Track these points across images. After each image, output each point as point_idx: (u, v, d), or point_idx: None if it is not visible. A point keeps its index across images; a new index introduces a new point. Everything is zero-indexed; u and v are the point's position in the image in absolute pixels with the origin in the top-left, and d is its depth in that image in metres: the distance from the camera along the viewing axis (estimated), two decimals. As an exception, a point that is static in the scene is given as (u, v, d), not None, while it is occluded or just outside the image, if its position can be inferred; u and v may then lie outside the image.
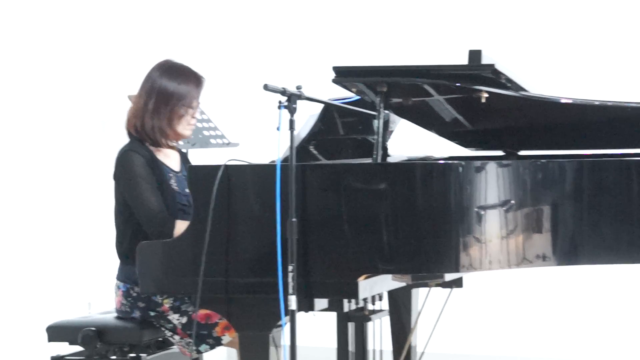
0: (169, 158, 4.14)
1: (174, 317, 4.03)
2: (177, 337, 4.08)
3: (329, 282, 3.60)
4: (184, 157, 4.25)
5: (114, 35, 6.20)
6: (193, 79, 4.07)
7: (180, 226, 3.86)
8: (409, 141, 4.81)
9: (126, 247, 4.02)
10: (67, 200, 5.90)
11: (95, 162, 5.93)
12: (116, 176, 4.02)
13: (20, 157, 5.66)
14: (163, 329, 4.07)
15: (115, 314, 4.15)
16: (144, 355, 4.06)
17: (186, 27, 6.61)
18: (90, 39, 6.05)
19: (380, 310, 4.52)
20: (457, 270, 3.63)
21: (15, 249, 5.61)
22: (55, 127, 5.84)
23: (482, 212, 3.62)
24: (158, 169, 4.03)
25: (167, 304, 4.02)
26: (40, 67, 5.77)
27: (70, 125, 5.94)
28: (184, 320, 4.03)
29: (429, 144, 4.61)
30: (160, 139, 4.05)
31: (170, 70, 4.07)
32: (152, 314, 4.04)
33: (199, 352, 4.05)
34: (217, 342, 4.01)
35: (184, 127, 4.08)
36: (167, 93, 4.03)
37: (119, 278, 4.09)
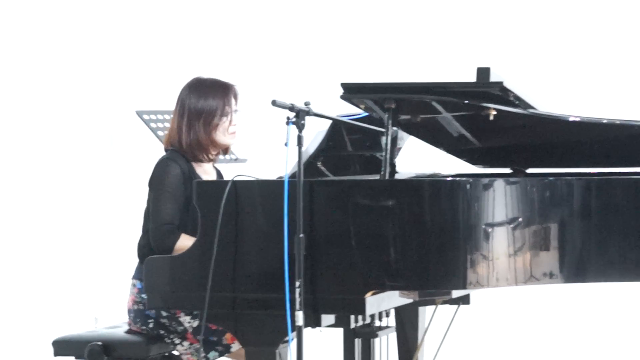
0: (207, 174, 4.18)
1: (186, 320, 4.04)
2: (186, 344, 4.08)
3: (336, 298, 3.60)
4: (219, 175, 4.29)
5: (123, 51, 6.21)
6: (221, 90, 4.14)
7: (186, 242, 3.87)
8: (417, 158, 4.81)
9: (148, 249, 4.04)
10: (75, 215, 5.91)
11: (103, 178, 5.94)
12: (149, 181, 4.08)
13: (29, 173, 5.68)
14: (172, 336, 4.07)
15: (123, 328, 4.15)
16: (151, 369, 4.06)
17: (194, 44, 6.63)
18: (99, 55, 6.07)
19: (387, 327, 4.51)
20: (464, 287, 3.62)
21: (22, 263, 5.62)
22: (64, 142, 5.86)
23: (490, 230, 3.62)
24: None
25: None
26: (49, 82, 5.79)
27: (79, 141, 5.95)
28: (195, 324, 4.03)
29: (437, 161, 4.61)
30: (199, 154, 4.10)
31: (197, 87, 4.14)
32: (164, 313, 4.04)
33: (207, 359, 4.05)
34: (226, 350, 4.02)
35: (223, 136, 4.13)
36: (196, 110, 4.10)
37: (135, 277, 4.12)
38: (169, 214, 3.97)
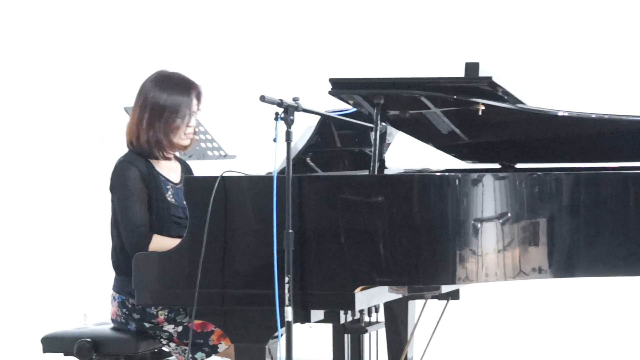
0: (169, 169, 4.13)
1: (170, 328, 4.03)
2: (173, 345, 4.07)
3: (325, 294, 3.60)
4: (187, 169, 4.23)
5: (112, 47, 6.20)
6: (186, 88, 4.06)
7: (162, 242, 3.85)
8: (406, 154, 4.81)
9: (121, 259, 4.02)
10: (63, 212, 5.89)
11: (92, 174, 5.93)
12: (110, 187, 4.03)
13: (17, 169, 5.66)
14: (159, 337, 4.07)
15: (111, 325, 4.14)
16: (140, 366, 4.06)
17: (183, 39, 6.61)
18: (87, 51, 6.06)
19: (377, 322, 4.51)
20: (453, 282, 3.63)
21: (11, 260, 5.61)
22: (52, 138, 5.84)
23: (479, 225, 3.62)
24: (154, 181, 4.02)
25: (162, 315, 4.01)
26: (37, 79, 5.78)
27: (68, 137, 5.94)
28: (180, 329, 4.02)
29: (426, 156, 4.60)
30: (156, 152, 4.05)
31: (163, 81, 4.05)
32: (147, 325, 4.04)
33: (195, 361, 4.04)
34: (213, 350, 4.01)
35: (180, 138, 4.07)
36: (159, 106, 4.02)
37: (114, 289, 4.09)
38: (139, 217, 3.94)
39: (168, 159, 4.12)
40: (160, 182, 4.04)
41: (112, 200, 4.04)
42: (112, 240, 4.08)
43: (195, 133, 4.14)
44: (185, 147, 4.13)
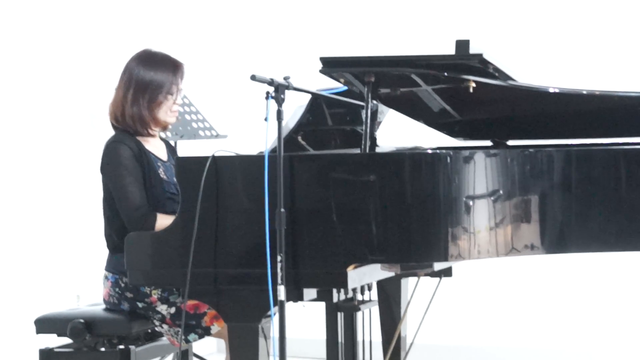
0: (157, 148, 4.14)
1: (163, 308, 4.03)
2: (165, 327, 4.08)
3: (317, 272, 3.60)
4: (170, 148, 4.26)
5: (102, 29, 6.18)
6: (171, 66, 4.08)
7: (163, 220, 3.86)
8: (397, 132, 4.81)
9: (115, 237, 4.02)
10: (55, 193, 5.88)
11: (83, 155, 5.92)
12: (102, 168, 4.03)
13: (7, 150, 5.65)
14: (152, 319, 4.07)
15: (104, 306, 4.14)
16: (133, 347, 4.05)
17: (174, 19, 6.60)
18: (78, 33, 6.04)
19: (370, 301, 4.52)
20: (446, 260, 3.63)
21: (2, 242, 5.60)
22: (43, 120, 5.83)
23: (471, 202, 3.62)
24: (146, 158, 4.03)
25: (155, 294, 4.02)
26: (27, 61, 5.76)
27: (59, 118, 5.92)
28: (173, 310, 4.03)
29: (417, 134, 4.60)
30: (141, 128, 4.06)
31: (147, 59, 4.08)
32: (140, 305, 4.04)
33: (188, 342, 4.05)
34: (205, 332, 4.01)
35: (165, 114, 4.09)
36: (144, 82, 4.04)
37: (107, 269, 4.09)
38: (137, 197, 3.94)
39: (152, 135, 4.12)
40: (151, 159, 4.06)
41: (104, 181, 4.04)
42: (104, 220, 4.08)
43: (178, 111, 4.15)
44: (168, 124, 4.14)
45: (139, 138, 4.07)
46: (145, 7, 6.46)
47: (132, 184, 3.95)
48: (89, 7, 6.11)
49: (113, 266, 4.05)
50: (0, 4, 5.63)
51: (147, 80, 4.04)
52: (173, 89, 4.07)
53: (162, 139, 4.25)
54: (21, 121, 5.71)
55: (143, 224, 3.89)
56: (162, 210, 3.98)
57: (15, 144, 5.68)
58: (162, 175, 4.06)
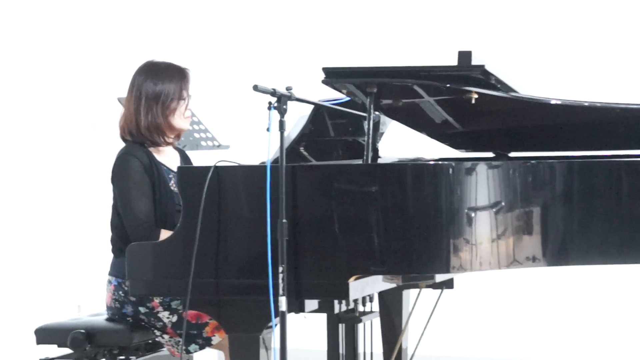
0: (169, 158, 4.15)
1: (164, 315, 4.03)
2: (166, 337, 4.07)
3: (319, 283, 3.59)
4: (184, 157, 4.27)
5: (104, 37, 6.18)
6: (177, 74, 4.11)
7: (165, 236, 3.85)
8: (399, 143, 4.81)
9: (120, 242, 4.03)
10: (57, 202, 5.88)
11: (85, 164, 5.92)
12: (112, 178, 4.05)
13: (10, 159, 5.65)
14: (153, 328, 4.07)
15: (105, 316, 4.13)
16: (134, 357, 4.05)
17: (176, 29, 6.60)
18: (80, 41, 6.04)
19: (371, 312, 4.52)
20: (447, 271, 3.62)
21: (4, 250, 5.60)
22: (45, 128, 5.83)
23: (473, 214, 3.62)
24: (157, 170, 4.04)
25: (157, 299, 4.01)
26: (30, 69, 5.76)
27: (61, 127, 5.92)
28: (174, 319, 4.02)
29: (419, 145, 4.60)
30: (157, 137, 4.08)
31: (153, 70, 4.10)
32: (142, 309, 4.04)
33: (188, 352, 4.04)
34: (206, 343, 4.01)
35: (180, 120, 4.11)
36: (155, 93, 4.07)
37: (111, 273, 4.10)
38: (143, 211, 3.95)
39: (169, 143, 4.13)
40: (162, 171, 4.06)
41: (114, 192, 4.06)
42: (112, 228, 4.10)
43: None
44: (182, 131, 4.16)
45: (152, 149, 4.09)
46: (147, 16, 6.47)
47: (139, 198, 3.96)
48: (91, 17, 6.12)
49: (116, 270, 4.06)
50: (4, 13, 5.63)
51: (157, 91, 4.07)
52: (183, 94, 4.10)
53: (177, 148, 4.26)
54: (23, 129, 5.71)
55: (147, 237, 3.89)
56: (171, 223, 3.98)
57: (18, 152, 5.68)
58: (173, 187, 4.06)
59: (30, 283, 5.70)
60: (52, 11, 5.89)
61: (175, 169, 4.10)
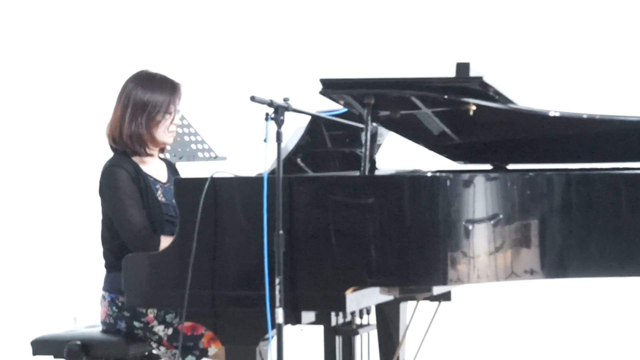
0: (155, 169, 4.13)
1: (160, 329, 4.01)
2: (162, 349, 4.05)
3: (316, 295, 3.58)
4: (172, 168, 4.24)
5: (101, 46, 6.18)
6: (168, 86, 4.09)
7: (165, 243, 3.84)
8: (397, 154, 4.80)
9: (112, 257, 4.02)
10: (53, 213, 5.87)
11: (81, 174, 5.91)
12: (100, 192, 4.03)
13: (4, 168, 5.64)
14: (149, 340, 4.05)
15: (101, 328, 4.12)
16: (130, 369, 4.04)
17: (173, 40, 6.60)
18: (77, 51, 6.04)
19: (368, 324, 4.49)
20: (445, 284, 3.61)
21: (1, 262, 5.58)
22: (41, 139, 5.82)
23: (470, 226, 3.61)
24: (143, 181, 4.02)
25: (151, 313, 4.00)
26: (27, 79, 5.76)
27: (56, 138, 5.91)
28: (170, 331, 4.01)
29: (417, 157, 4.59)
30: (139, 147, 4.05)
31: (145, 79, 4.08)
32: (137, 324, 4.02)
33: (185, 364, 4.02)
34: (203, 354, 4.00)
35: (164, 133, 4.08)
36: (142, 102, 4.04)
37: (104, 288, 4.08)
38: (139, 219, 3.94)
39: (150, 155, 4.11)
40: (149, 182, 4.05)
41: (103, 205, 4.03)
42: (103, 242, 4.07)
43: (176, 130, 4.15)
44: (165, 145, 4.14)
45: (137, 160, 4.07)
46: (144, 27, 6.47)
47: (132, 206, 3.95)
48: (88, 27, 6.11)
49: (110, 285, 4.04)
50: (1, 22, 5.63)
51: (145, 100, 4.04)
52: (171, 108, 4.07)
53: (163, 159, 4.24)
54: (19, 140, 5.70)
55: (146, 245, 3.87)
56: (159, 233, 3.97)
57: (13, 163, 5.67)
58: (161, 197, 4.05)
59: (26, 295, 5.69)
60: (51, 20, 5.89)
61: (161, 180, 4.10)
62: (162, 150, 4.18)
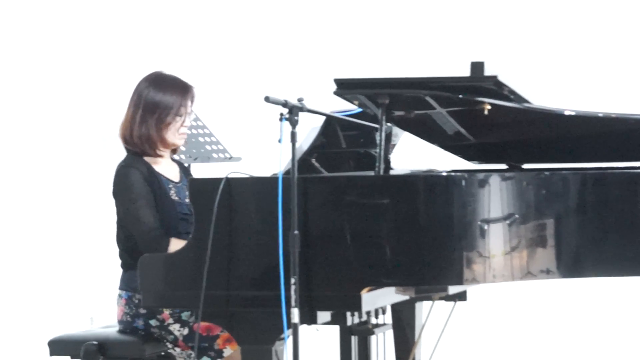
0: (168, 169, 4.14)
1: (175, 328, 4.02)
2: (178, 350, 4.06)
3: (331, 295, 3.58)
4: (184, 170, 4.25)
5: (115, 49, 6.20)
6: (180, 88, 4.10)
7: (176, 244, 3.85)
8: (411, 154, 4.79)
9: (127, 256, 4.04)
10: (69, 215, 5.89)
11: (97, 176, 5.92)
12: (114, 193, 4.04)
13: (21, 171, 5.66)
14: (165, 340, 4.06)
15: (118, 328, 4.13)
16: (146, 369, 4.05)
17: (186, 41, 6.61)
18: (91, 53, 6.05)
19: (384, 324, 4.50)
20: (460, 283, 3.61)
21: (17, 263, 5.60)
22: (56, 141, 5.84)
23: (486, 226, 3.60)
24: (157, 181, 4.04)
25: (167, 310, 4.01)
26: (41, 81, 5.77)
27: (71, 140, 5.93)
28: (185, 331, 4.02)
29: (431, 157, 4.59)
30: (148, 148, 4.06)
31: (157, 81, 4.10)
32: (153, 323, 4.03)
33: (201, 366, 4.03)
34: (218, 355, 4.00)
35: (174, 135, 4.09)
36: (153, 103, 4.05)
37: (121, 287, 4.10)
38: (151, 220, 3.95)
39: (160, 156, 4.12)
40: (162, 181, 4.06)
41: (117, 206, 4.05)
42: (118, 242, 4.09)
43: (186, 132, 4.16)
44: (176, 147, 4.15)
45: (149, 160, 4.08)
46: (158, 29, 6.48)
47: (144, 207, 3.96)
48: (101, 30, 6.13)
49: (126, 284, 4.06)
50: (17, 26, 5.65)
51: (156, 101, 4.05)
52: (182, 110, 4.08)
53: (175, 160, 4.25)
54: (34, 142, 5.72)
55: (157, 246, 3.89)
56: (175, 231, 3.98)
57: (29, 165, 5.69)
58: (174, 196, 4.06)
59: (43, 295, 5.71)
60: (66, 21, 5.90)
61: (174, 180, 4.11)
62: (174, 151, 4.19)
